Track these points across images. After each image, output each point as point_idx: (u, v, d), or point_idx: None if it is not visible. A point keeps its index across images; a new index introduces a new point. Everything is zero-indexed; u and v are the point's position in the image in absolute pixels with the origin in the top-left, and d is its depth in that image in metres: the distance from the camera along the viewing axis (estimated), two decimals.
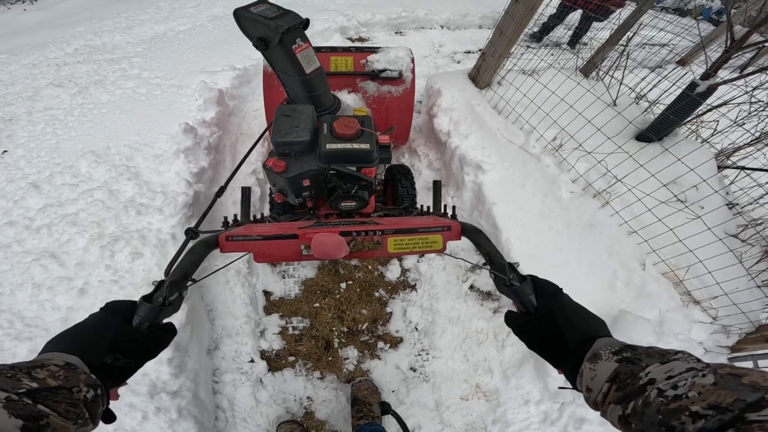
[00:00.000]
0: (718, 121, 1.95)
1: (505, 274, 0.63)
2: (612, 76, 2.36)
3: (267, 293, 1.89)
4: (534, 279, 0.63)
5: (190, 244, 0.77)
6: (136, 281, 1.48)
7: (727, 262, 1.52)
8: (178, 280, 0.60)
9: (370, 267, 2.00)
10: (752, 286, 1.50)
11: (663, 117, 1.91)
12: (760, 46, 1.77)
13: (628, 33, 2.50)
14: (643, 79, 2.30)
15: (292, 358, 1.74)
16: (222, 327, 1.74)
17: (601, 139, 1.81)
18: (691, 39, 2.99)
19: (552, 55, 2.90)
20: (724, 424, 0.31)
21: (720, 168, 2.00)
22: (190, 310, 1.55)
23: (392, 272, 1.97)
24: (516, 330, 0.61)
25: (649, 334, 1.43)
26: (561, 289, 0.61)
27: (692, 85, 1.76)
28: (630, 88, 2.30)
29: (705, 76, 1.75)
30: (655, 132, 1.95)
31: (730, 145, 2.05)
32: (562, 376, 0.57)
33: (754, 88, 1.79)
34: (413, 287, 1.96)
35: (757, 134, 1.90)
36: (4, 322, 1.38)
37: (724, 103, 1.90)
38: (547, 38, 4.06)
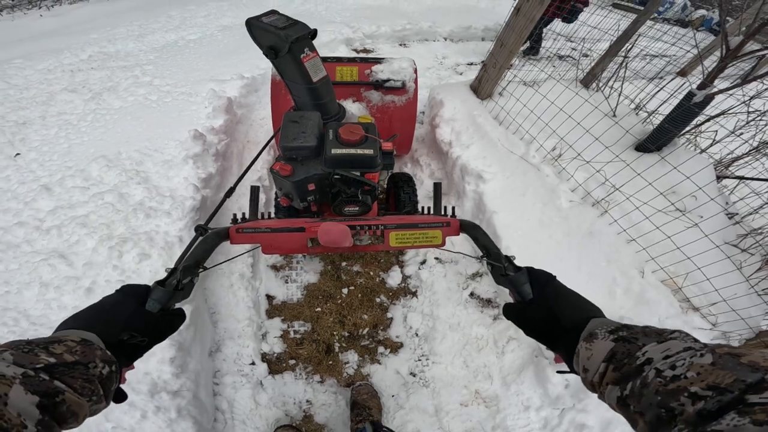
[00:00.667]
0: (716, 131, 1.98)
1: (501, 263, 0.66)
2: (611, 87, 2.41)
3: (270, 297, 1.91)
4: (529, 269, 0.65)
5: (200, 240, 0.80)
6: (143, 281, 1.51)
7: (726, 270, 1.54)
8: (191, 266, 0.64)
9: (371, 273, 2.02)
10: (751, 293, 1.52)
11: (661, 127, 1.94)
12: (760, 55, 1.81)
13: (627, 44, 2.56)
14: (642, 89, 2.34)
15: (292, 362, 1.75)
16: (224, 329, 1.76)
17: (599, 148, 1.85)
18: (688, 49, 3.04)
19: (554, 66, 2.96)
20: (723, 405, 0.31)
21: (719, 178, 2.03)
22: (194, 311, 1.57)
23: (393, 278, 1.99)
24: (514, 318, 0.63)
25: None
26: (555, 276, 0.63)
27: (689, 95, 1.79)
28: (629, 99, 2.35)
29: (702, 86, 1.78)
30: (653, 142, 1.98)
31: (728, 155, 2.07)
32: (558, 377, 0.58)
33: (751, 98, 1.82)
34: (414, 294, 1.98)
35: (755, 144, 1.93)
36: (9, 320, 1.40)
37: (722, 113, 1.93)
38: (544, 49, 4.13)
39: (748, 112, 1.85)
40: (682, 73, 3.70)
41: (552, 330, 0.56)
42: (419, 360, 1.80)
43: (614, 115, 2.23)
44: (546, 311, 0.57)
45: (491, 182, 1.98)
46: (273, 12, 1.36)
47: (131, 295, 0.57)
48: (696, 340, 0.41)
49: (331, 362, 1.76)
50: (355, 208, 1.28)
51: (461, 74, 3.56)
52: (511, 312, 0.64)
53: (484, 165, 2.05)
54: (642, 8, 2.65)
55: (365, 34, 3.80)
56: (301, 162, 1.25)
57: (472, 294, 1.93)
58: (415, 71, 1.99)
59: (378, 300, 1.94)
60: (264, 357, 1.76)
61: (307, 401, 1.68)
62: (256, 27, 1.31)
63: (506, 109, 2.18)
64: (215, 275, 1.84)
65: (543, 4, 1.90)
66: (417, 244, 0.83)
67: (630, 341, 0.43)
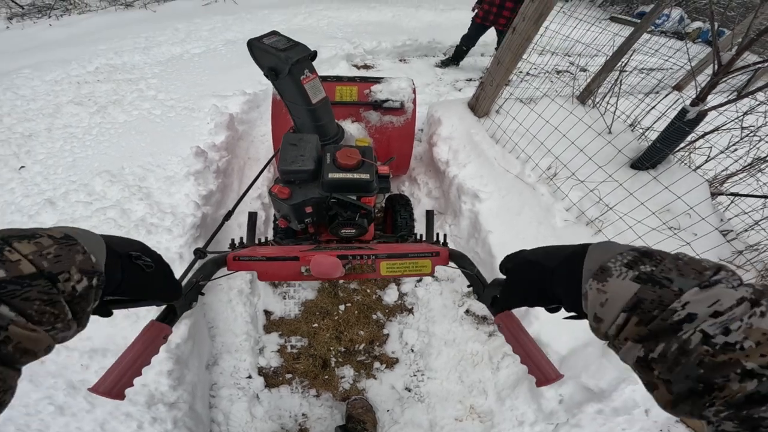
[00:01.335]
0: (711, 147, 2.00)
1: (481, 289, 0.69)
2: (607, 103, 2.44)
3: (267, 313, 1.94)
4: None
5: (198, 263, 0.83)
6: None
7: None
8: (188, 293, 0.67)
9: (368, 290, 2.05)
10: None
11: (653, 146, 1.96)
12: (755, 68, 1.80)
13: (622, 59, 2.58)
14: (638, 106, 2.36)
15: (289, 376, 1.77)
16: (222, 343, 1.78)
17: (594, 166, 1.88)
18: (682, 64, 3.06)
19: (551, 82, 3.00)
20: None
21: (713, 195, 2.05)
22: (193, 325, 1.60)
23: (390, 296, 2.02)
24: (501, 299, 0.57)
25: None
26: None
27: (683, 111, 1.79)
28: (625, 115, 2.37)
29: (694, 103, 1.78)
30: (647, 159, 2.00)
31: (723, 171, 2.09)
32: (552, 390, 0.57)
33: (744, 114, 1.84)
34: (410, 311, 2.00)
35: (749, 161, 1.94)
36: None
37: (715, 129, 1.95)
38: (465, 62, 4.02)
39: (742, 128, 1.86)
40: (678, 87, 3.74)
41: (537, 281, 0.45)
42: (414, 375, 1.82)
43: (610, 132, 2.26)
44: (524, 269, 0.48)
45: (487, 201, 2.01)
46: (274, 33, 1.40)
47: None
48: (746, 284, 0.31)
49: (327, 377, 1.78)
50: (352, 230, 1.31)
51: (460, 90, 3.61)
52: (495, 297, 0.60)
53: (481, 184, 2.08)
54: (639, 21, 2.67)
55: (366, 50, 3.86)
56: (299, 185, 1.28)
57: (467, 311, 1.95)
58: (414, 91, 2.03)
59: (374, 316, 1.96)
60: (261, 371, 1.78)
61: (303, 414, 1.70)
62: (257, 48, 1.35)
63: (503, 127, 2.22)
64: (214, 290, 1.87)
65: (538, 24, 1.95)
66: (407, 273, 0.86)
67: (660, 283, 0.32)
